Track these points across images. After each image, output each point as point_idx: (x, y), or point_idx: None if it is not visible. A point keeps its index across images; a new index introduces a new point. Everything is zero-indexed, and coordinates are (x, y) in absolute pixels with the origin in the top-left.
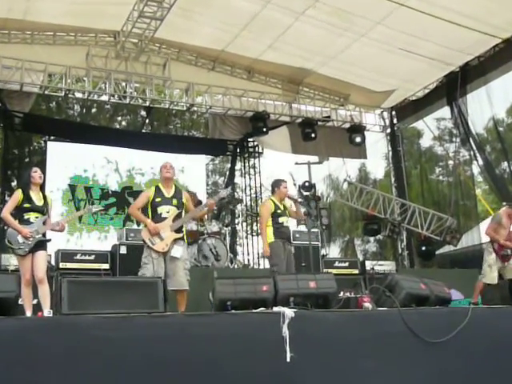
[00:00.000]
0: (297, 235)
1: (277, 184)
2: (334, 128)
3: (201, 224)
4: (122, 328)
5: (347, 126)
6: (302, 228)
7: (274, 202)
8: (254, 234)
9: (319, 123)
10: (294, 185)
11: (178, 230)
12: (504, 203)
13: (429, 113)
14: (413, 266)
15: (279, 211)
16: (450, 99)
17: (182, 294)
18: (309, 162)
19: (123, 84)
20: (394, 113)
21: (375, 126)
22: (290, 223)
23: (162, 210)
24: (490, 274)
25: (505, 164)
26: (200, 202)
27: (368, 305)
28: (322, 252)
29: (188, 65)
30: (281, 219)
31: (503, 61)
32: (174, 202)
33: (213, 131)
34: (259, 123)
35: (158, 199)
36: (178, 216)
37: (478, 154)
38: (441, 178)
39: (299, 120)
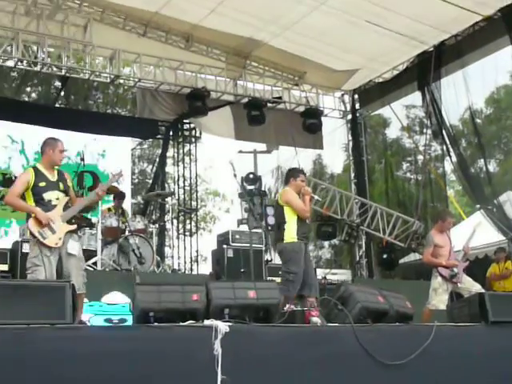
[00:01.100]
0: (236, 236)
1: (293, 174)
2: (286, 111)
3: (122, 220)
4: (20, 342)
5: (301, 109)
6: (243, 228)
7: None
8: (187, 233)
9: (269, 105)
10: (235, 176)
11: (70, 221)
12: (478, 206)
13: (397, 98)
14: (372, 276)
15: None
16: (421, 83)
17: (78, 298)
18: (255, 150)
19: (34, 48)
20: (356, 96)
21: (334, 111)
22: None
23: (50, 196)
24: (436, 297)
25: (481, 162)
26: (122, 194)
27: (317, 319)
28: (266, 257)
29: (114, 28)
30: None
31: (483, 41)
32: (61, 186)
33: (141, 109)
34: (197, 102)
35: (41, 184)
36: (67, 204)
37: (451, 149)
38: (408, 175)
39: (245, 100)
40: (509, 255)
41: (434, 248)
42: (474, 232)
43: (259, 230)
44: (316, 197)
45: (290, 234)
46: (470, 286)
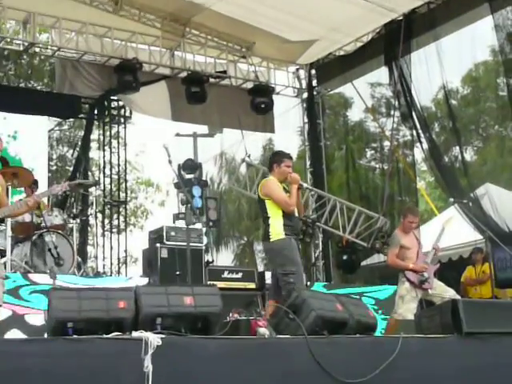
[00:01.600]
0: (171, 233)
1: (277, 159)
2: (232, 88)
3: (36, 213)
4: None
5: (249, 86)
6: (180, 223)
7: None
8: (115, 230)
9: (211, 80)
10: (170, 163)
11: None
12: (451, 200)
13: (360, 75)
14: (329, 280)
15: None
16: (389, 58)
17: None
18: (195, 133)
19: None
20: (313, 72)
21: (287, 89)
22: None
23: None
24: (403, 306)
25: (456, 149)
26: (36, 183)
27: (264, 330)
28: (207, 257)
29: None
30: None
31: (460, 10)
32: None
33: (61, 83)
34: (127, 75)
35: None
36: None
37: (422, 135)
38: (373, 163)
39: (183, 74)
40: (486, 257)
41: (400, 249)
42: (443, 230)
43: (199, 226)
44: (305, 185)
45: (276, 229)
46: (443, 292)
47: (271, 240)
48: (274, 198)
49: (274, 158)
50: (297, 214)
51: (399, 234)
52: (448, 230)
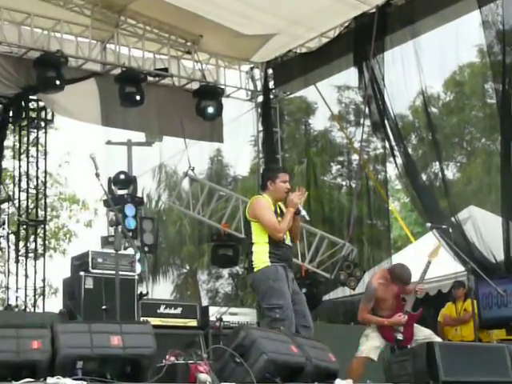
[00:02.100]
0: (99, 259)
1: (271, 175)
2: (174, 89)
3: None
4: None
5: (195, 86)
6: (110, 248)
7: (269, 201)
8: (31, 254)
9: (149, 79)
10: (97, 176)
11: None
12: (429, 225)
13: (326, 76)
14: None
15: (278, 218)
16: (359, 57)
17: None
18: (129, 141)
19: None
20: (270, 72)
21: (239, 91)
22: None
23: None
24: (367, 343)
25: (436, 165)
26: None
27: (206, 377)
28: (141, 289)
29: None
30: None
31: (443, 2)
32: None
33: None
34: (50, 71)
35: None
36: None
37: (396, 148)
38: (339, 180)
39: (117, 71)
40: (469, 292)
41: (375, 302)
42: (428, 265)
43: (131, 252)
44: (304, 212)
45: (260, 257)
46: (418, 333)
47: (255, 270)
48: (261, 220)
49: (268, 174)
50: (289, 242)
51: (377, 284)
52: (434, 264)
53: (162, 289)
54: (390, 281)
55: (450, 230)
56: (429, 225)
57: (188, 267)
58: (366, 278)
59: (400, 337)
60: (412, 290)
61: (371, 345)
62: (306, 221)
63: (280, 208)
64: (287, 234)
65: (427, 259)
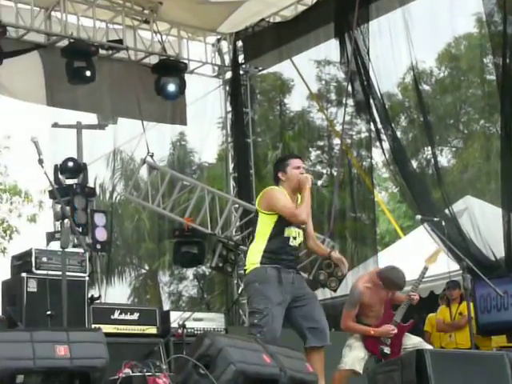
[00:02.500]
0: (43, 259)
1: (280, 166)
2: (130, 63)
3: None
4: None
5: (153, 61)
6: (56, 246)
7: (286, 195)
8: None
9: (101, 52)
10: (40, 162)
11: None
12: (419, 218)
13: (303, 49)
14: None
15: None
16: (340, 27)
17: None
18: (79, 123)
19: None
20: (239, 44)
21: (205, 67)
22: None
23: None
24: (350, 354)
25: (428, 151)
26: None
27: None
28: (92, 292)
29: None
30: (288, 231)
31: None
32: None
33: None
34: None
35: None
36: None
37: (383, 131)
38: (318, 168)
39: (63, 43)
40: (464, 294)
41: (359, 309)
42: (424, 271)
43: (80, 250)
44: (321, 182)
45: (252, 257)
46: (406, 341)
47: (246, 271)
48: (276, 209)
49: (277, 165)
50: (297, 243)
51: (363, 288)
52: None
53: (117, 292)
54: (380, 286)
55: (444, 224)
56: (419, 217)
57: (147, 267)
58: (350, 279)
59: (387, 350)
60: (404, 299)
61: (355, 356)
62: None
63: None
64: (299, 235)
65: (424, 265)
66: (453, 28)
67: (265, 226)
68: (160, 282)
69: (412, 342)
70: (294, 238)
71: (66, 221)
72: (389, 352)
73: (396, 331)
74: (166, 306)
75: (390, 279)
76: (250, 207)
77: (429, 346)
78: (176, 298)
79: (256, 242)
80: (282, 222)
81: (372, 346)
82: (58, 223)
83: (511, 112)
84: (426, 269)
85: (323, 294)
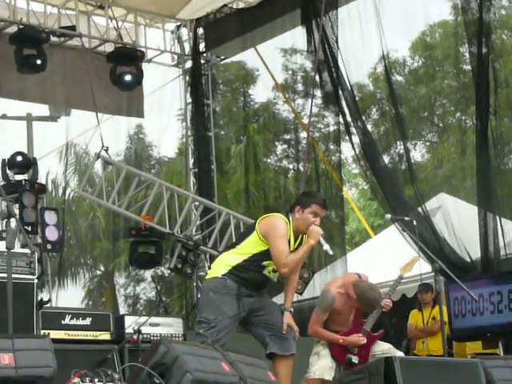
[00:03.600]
0: None
1: (304, 202)
2: (83, 51)
3: None
4: None
5: (109, 49)
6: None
7: (290, 228)
8: None
9: (53, 39)
10: None
11: None
12: (389, 217)
13: (268, 37)
14: None
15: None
16: (307, 14)
17: None
18: (29, 115)
19: None
20: (200, 31)
21: (163, 55)
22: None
23: None
24: (318, 362)
25: (400, 145)
26: None
27: None
28: (41, 295)
29: None
30: (269, 262)
31: None
32: None
33: None
34: None
35: None
36: None
37: (353, 124)
38: (284, 163)
39: (12, 29)
40: (437, 297)
41: (329, 315)
42: (399, 280)
43: (28, 251)
44: (327, 246)
45: (219, 266)
46: (375, 348)
47: (206, 277)
48: (270, 244)
49: (301, 198)
50: (274, 277)
51: (334, 293)
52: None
53: (69, 295)
54: (353, 298)
55: (415, 223)
56: (388, 216)
57: (102, 268)
58: (317, 281)
59: (355, 360)
60: None
61: (324, 364)
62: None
63: (296, 242)
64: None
65: (399, 273)
66: (427, 15)
67: (251, 245)
68: (116, 284)
69: (381, 348)
70: (274, 272)
71: (12, 220)
72: (357, 361)
73: (365, 341)
74: (123, 310)
75: (367, 299)
76: (210, 205)
77: (399, 353)
78: (133, 301)
79: (232, 253)
80: (263, 251)
81: (338, 354)
82: (4, 222)
83: (487, 104)
84: (401, 278)
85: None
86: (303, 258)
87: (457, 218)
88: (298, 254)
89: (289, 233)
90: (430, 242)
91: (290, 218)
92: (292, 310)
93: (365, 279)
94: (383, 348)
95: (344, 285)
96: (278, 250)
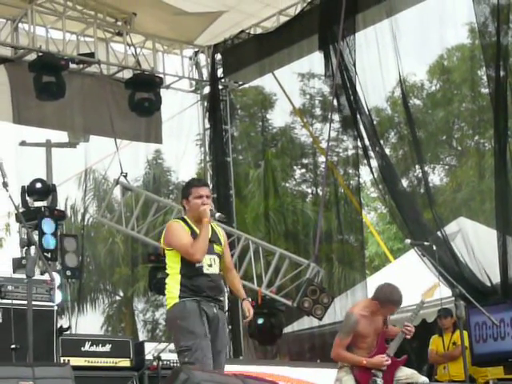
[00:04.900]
0: (8, 287)
1: (184, 193)
2: (101, 78)
3: None
4: None
5: (127, 75)
6: (21, 273)
7: (188, 223)
8: None
9: (72, 66)
10: (5, 185)
11: None
12: (408, 242)
13: (286, 62)
14: (238, 355)
15: None
16: (325, 39)
17: None
18: (48, 141)
19: None
20: (218, 57)
21: (181, 81)
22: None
23: None
24: None
25: (418, 170)
26: None
27: None
28: (61, 322)
29: None
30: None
31: None
32: None
33: None
34: None
35: None
36: None
37: (371, 148)
38: (303, 187)
39: (31, 57)
40: (457, 322)
41: (352, 338)
42: (421, 306)
43: (48, 278)
44: (219, 214)
45: (171, 292)
46: (398, 373)
47: (167, 307)
48: (173, 246)
49: (182, 192)
50: (215, 271)
51: (357, 316)
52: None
53: (89, 321)
54: (377, 310)
55: (435, 248)
56: (408, 241)
57: (122, 294)
58: (337, 305)
59: (380, 382)
60: (397, 333)
61: None
62: (225, 222)
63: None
64: (214, 257)
65: (420, 298)
66: (444, 39)
67: (172, 260)
68: (135, 309)
69: (405, 373)
70: (210, 266)
71: (32, 247)
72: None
73: (390, 362)
74: (142, 335)
75: (386, 295)
76: (229, 230)
77: (423, 378)
78: (152, 326)
79: (170, 276)
80: None
81: (363, 378)
82: (24, 249)
83: (505, 127)
84: (422, 303)
85: (310, 322)
86: (205, 237)
87: (476, 242)
88: (200, 238)
89: (187, 228)
90: (449, 267)
91: (185, 216)
92: (250, 299)
93: None
94: (407, 373)
95: (365, 305)
96: (181, 246)
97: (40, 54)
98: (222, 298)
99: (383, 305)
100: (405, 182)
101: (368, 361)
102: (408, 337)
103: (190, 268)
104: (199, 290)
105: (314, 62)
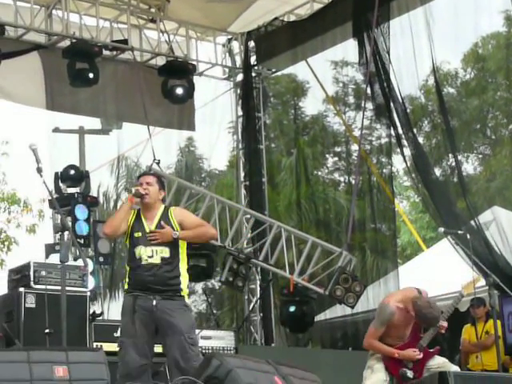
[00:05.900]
0: (42, 272)
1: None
2: (135, 65)
3: None
4: None
5: (160, 62)
6: (55, 259)
7: (136, 213)
8: None
9: (105, 53)
10: (39, 171)
11: None
12: (442, 230)
13: (319, 50)
14: (269, 342)
15: (136, 232)
16: (359, 27)
17: None
18: (81, 128)
19: None
20: (251, 45)
21: (214, 68)
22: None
23: None
24: (372, 376)
25: (451, 159)
26: None
27: None
28: (93, 308)
29: None
30: (138, 252)
31: None
32: None
33: None
34: None
35: None
36: None
37: (404, 137)
38: (336, 176)
39: (65, 43)
40: (490, 311)
41: (386, 328)
42: (460, 298)
43: (81, 264)
44: (134, 188)
45: (124, 284)
46: (430, 362)
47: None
48: None
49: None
50: (156, 261)
51: (393, 308)
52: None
53: (120, 307)
54: (411, 314)
55: (468, 236)
56: (442, 230)
57: None
58: (370, 295)
59: (410, 374)
60: None
61: (378, 378)
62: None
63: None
64: (157, 253)
65: (460, 291)
66: (479, 26)
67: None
68: None
69: (436, 362)
70: (150, 257)
71: (66, 233)
72: (411, 376)
73: (421, 356)
74: None
75: (425, 317)
76: (262, 218)
77: (454, 367)
78: None
79: (125, 267)
80: (130, 244)
81: (394, 369)
82: (58, 235)
83: None
84: (462, 296)
85: (343, 310)
86: (117, 213)
87: (510, 231)
88: (117, 216)
89: (131, 218)
90: (483, 256)
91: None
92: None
93: (424, 295)
94: (438, 362)
95: (403, 300)
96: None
97: (74, 40)
98: (166, 288)
99: (419, 320)
100: (438, 171)
101: (400, 353)
102: (441, 332)
103: (132, 260)
104: (137, 283)
105: (348, 49)
